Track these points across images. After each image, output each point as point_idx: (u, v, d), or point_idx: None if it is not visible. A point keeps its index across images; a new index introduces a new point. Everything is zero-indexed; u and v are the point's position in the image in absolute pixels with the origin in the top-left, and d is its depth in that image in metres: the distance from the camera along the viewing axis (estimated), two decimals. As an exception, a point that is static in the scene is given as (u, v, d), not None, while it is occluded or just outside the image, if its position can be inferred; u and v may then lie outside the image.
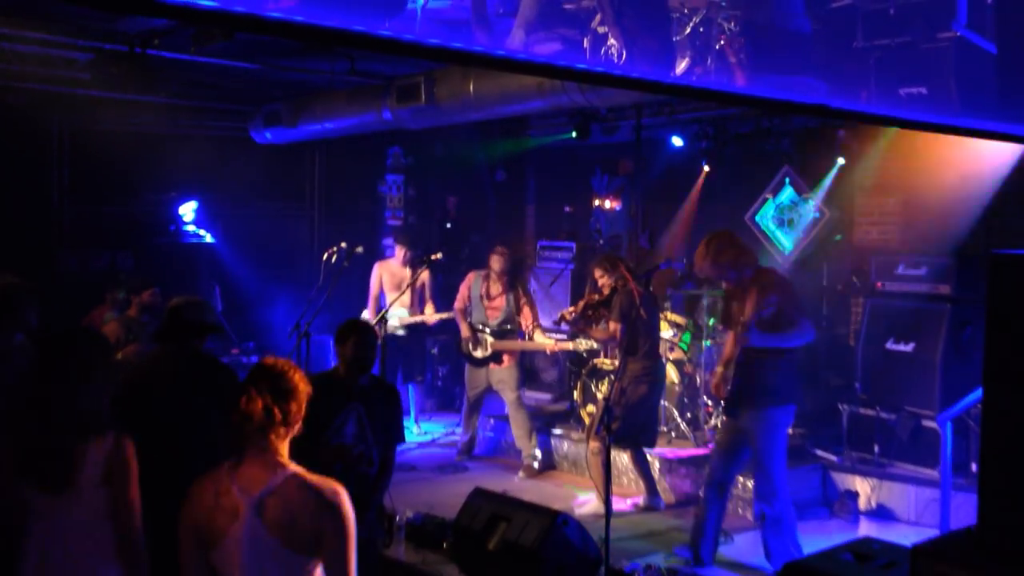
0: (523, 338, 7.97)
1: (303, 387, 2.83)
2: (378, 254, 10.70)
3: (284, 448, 2.78)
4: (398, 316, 8.41)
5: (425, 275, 8.55)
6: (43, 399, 3.06)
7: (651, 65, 4.60)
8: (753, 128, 8.87)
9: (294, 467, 2.76)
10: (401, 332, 8.63)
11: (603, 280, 6.96)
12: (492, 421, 8.67)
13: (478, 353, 7.93)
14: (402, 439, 4.73)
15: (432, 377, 10.01)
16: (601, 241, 10.41)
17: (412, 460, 8.19)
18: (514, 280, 8.08)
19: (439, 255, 7.94)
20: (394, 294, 8.23)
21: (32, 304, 4.48)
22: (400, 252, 8.65)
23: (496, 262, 7.94)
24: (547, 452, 8.25)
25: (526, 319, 7.93)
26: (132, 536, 3.08)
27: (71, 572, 3.00)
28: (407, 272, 8.51)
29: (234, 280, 9.82)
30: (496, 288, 7.98)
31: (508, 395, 7.94)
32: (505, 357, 7.91)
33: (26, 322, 4.47)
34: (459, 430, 8.69)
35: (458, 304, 8.10)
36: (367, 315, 8.49)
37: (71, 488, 2.99)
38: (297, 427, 2.82)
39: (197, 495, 2.76)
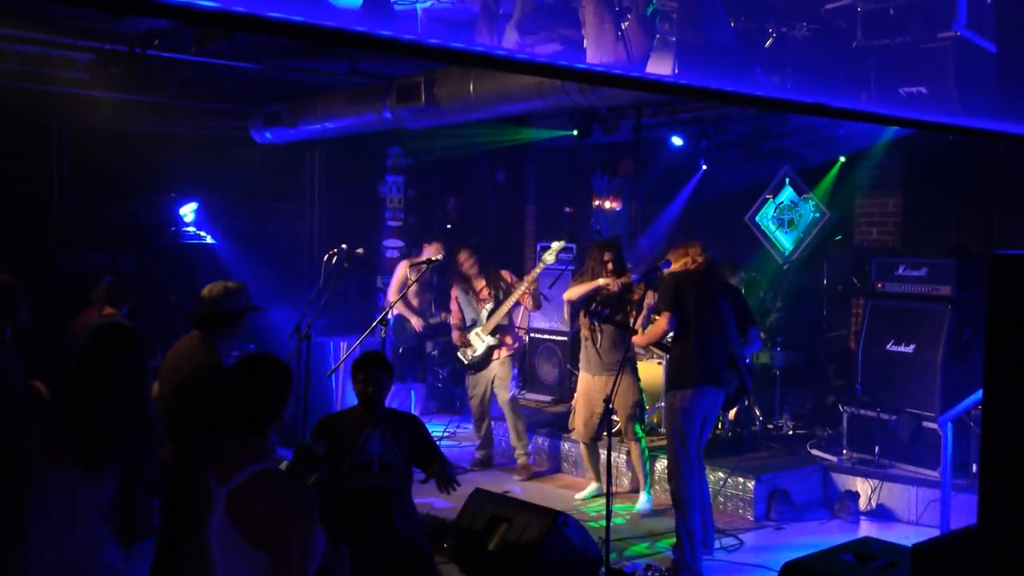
0: (518, 309, 8.15)
1: (281, 383, 2.85)
2: (379, 255, 10.71)
3: (263, 441, 2.80)
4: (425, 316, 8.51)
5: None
6: (98, 387, 3.20)
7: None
8: (753, 128, 8.87)
9: (271, 462, 2.78)
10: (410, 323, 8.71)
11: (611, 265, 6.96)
12: (492, 423, 8.66)
13: (478, 349, 7.89)
14: (439, 451, 4.80)
15: (433, 379, 9.99)
16: (601, 242, 10.41)
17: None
18: (488, 272, 8.04)
19: (439, 257, 7.96)
20: (416, 293, 8.26)
21: (24, 302, 4.69)
22: (433, 249, 8.52)
23: (469, 265, 7.97)
24: (549, 454, 8.25)
25: (518, 294, 7.90)
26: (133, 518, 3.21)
27: (77, 544, 3.11)
28: (419, 270, 8.37)
29: (234, 281, 9.80)
30: (479, 283, 8.02)
31: (502, 395, 7.93)
32: (497, 351, 7.90)
33: (19, 319, 4.69)
34: (459, 430, 8.66)
35: (454, 321, 8.12)
36: (399, 309, 8.59)
37: (99, 471, 3.13)
38: (276, 423, 2.83)
39: (184, 485, 2.83)
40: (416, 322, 8.62)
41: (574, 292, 7.10)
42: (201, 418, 2.95)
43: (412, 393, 9.22)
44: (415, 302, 8.77)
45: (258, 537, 2.65)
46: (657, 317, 6.04)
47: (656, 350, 7.40)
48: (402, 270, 8.69)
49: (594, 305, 6.90)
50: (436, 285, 8.97)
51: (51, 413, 3.19)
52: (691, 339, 5.76)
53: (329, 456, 4.41)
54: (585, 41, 4.88)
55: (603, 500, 7.15)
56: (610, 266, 6.92)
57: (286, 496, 2.70)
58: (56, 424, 3.14)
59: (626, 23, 4.89)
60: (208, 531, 2.71)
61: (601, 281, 6.89)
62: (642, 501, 7.00)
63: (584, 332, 7.05)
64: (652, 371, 7.96)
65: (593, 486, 7.33)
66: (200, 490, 2.75)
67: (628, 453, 7.29)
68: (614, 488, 6.16)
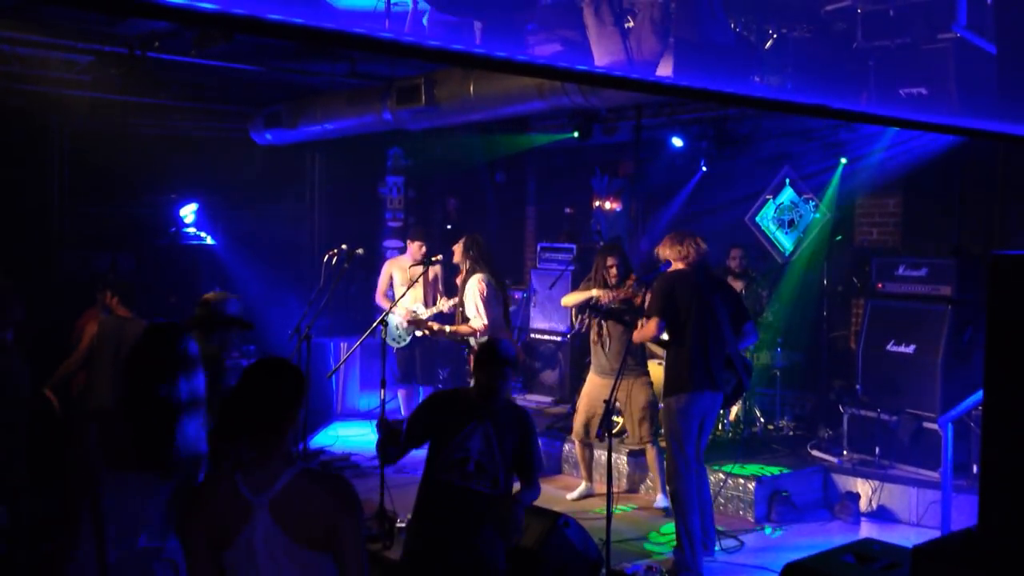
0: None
1: (298, 384, 2.82)
2: (379, 256, 10.70)
3: (286, 444, 2.76)
4: (415, 312, 8.34)
5: (437, 270, 8.53)
6: (143, 389, 3.19)
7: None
8: (753, 128, 8.87)
9: (300, 463, 2.75)
10: (419, 332, 8.54)
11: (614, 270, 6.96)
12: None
13: None
14: (537, 462, 4.37)
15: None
16: (601, 242, 10.40)
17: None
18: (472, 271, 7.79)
19: (439, 256, 7.96)
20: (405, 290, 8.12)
21: (19, 302, 4.78)
22: (415, 247, 8.53)
23: (456, 255, 7.66)
24: (549, 455, 8.24)
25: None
26: None
27: (137, 546, 3.14)
28: (419, 269, 8.37)
29: (234, 282, 9.80)
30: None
31: None
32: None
33: (14, 319, 4.78)
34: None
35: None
36: (382, 306, 8.38)
37: (165, 469, 3.14)
38: (294, 424, 2.79)
39: (204, 497, 2.77)
40: (402, 317, 8.33)
41: (570, 300, 7.25)
42: (219, 424, 2.92)
43: (420, 392, 9.10)
44: (415, 300, 8.57)
45: (313, 538, 2.64)
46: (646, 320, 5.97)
47: (657, 348, 7.41)
48: (387, 269, 8.70)
49: (593, 300, 6.93)
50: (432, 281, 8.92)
51: (114, 418, 3.20)
52: (687, 343, 5.76)
53: (430, 435, 4.21)
54: (591, 43, 4.88)
55: (592, 499, 7.24)
56: (613, 271, 6.93)
57: (332, 491, 2.70)
58: (120, 429, 3.15)
59: (630, 24, 4.89)
60: (252, 543, 2.66)
61: (595, 292, 6.93)
62: (659, 501, 7.02)
63: (593, 336, 7.08)
64: (653, 372, 7.96)
65: (584, 486, 7.36)
66: (229, 500, 2.69)
67: (644, 455, 7.31)
68: (614, 488, 6.15)
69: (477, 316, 7.22)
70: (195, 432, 3.19)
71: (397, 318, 8.41)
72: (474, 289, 7.26)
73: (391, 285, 8.64)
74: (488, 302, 7.25)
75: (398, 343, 8.59)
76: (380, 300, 8.55)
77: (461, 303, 7.47)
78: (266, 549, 2.65)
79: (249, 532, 2.66)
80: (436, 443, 4.20)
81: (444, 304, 8.00)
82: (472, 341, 7.36)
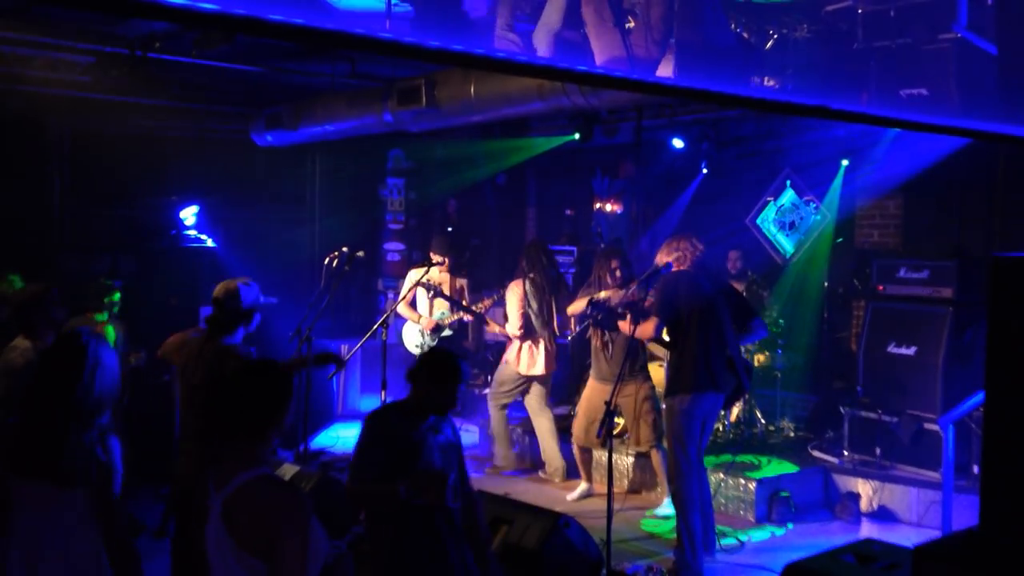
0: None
1: (280, 390, 2.80)
2: (379, 258, 10.70)
3: (263, 447, 2.76)
4: (441, 316, 8.35)
5: (464, 282, 8.53)
6: (41, 394, 3.20)
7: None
8: (754, 130, 8.87)
9: (266, 468, 2.74)
10: (448, 332, 8.50)
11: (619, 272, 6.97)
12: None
13: None
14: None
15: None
16: (602, 244, 10.40)
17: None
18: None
19: (439, 259, 7.96)
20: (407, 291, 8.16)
21: (60, 304, 5.04)
22: (440, 259, 8.47)
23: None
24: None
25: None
26: (113, 531, 3.17)
27: (57, 563, 3.11)
28: (446, 276, 8.35)
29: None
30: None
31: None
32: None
33: (56, 321, 5.00)
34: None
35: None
36: (405, 316, 8.36)
37: (56, 481, 3.10)
38: (276, 429, 2.78)
39: (195, 489, 2.86)
40: (427, 323, 8.29)
41: (576, 307, 7.27)
42: (207, 424, 2.92)
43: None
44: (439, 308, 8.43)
45: (254, 544, 2.62)
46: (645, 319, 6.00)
47: (658, 350, 7.40)
48: (413, 278, 8.48)
49: (596, 299, 6.91)
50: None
51: (15, 428, 3.20)
52: (690, 344, 5.77)
53: (392, 466, 3.78)
54: (591, 41, 4.88)
55: (592, 499, 7.23)
56: (618, 273, 6.93)
57: (279, 502, 2.66)
58: (22, 439, 3.15)
59: (631, 24, 4.89)
60: (208, 534, 2.70)
61: (603, 295, 6.92)
62: (665, 505, 6.98)
63: (596, 342, 7.09)
64: (654, 373, 7.95)
65: (583, 487, 7.38)
66: (201, 497, 2.75)
67: (648, 457, 7.29)
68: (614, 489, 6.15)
69: (509, 321, 7.63)
70: (93, 441, 3.15)
71: (420, 325, 8.34)
72: (510, 295, 7.65)
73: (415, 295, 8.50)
74: (524, 308, 7.59)
75: (423, 349, 8.48)
76: (403, 309, 8.30)
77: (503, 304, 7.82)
78: (216, 549, 2.68)
79: (208, 526, 2.71)
80: (397, 470, 3.73)
81: (482, 306, 8.10)
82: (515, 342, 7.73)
